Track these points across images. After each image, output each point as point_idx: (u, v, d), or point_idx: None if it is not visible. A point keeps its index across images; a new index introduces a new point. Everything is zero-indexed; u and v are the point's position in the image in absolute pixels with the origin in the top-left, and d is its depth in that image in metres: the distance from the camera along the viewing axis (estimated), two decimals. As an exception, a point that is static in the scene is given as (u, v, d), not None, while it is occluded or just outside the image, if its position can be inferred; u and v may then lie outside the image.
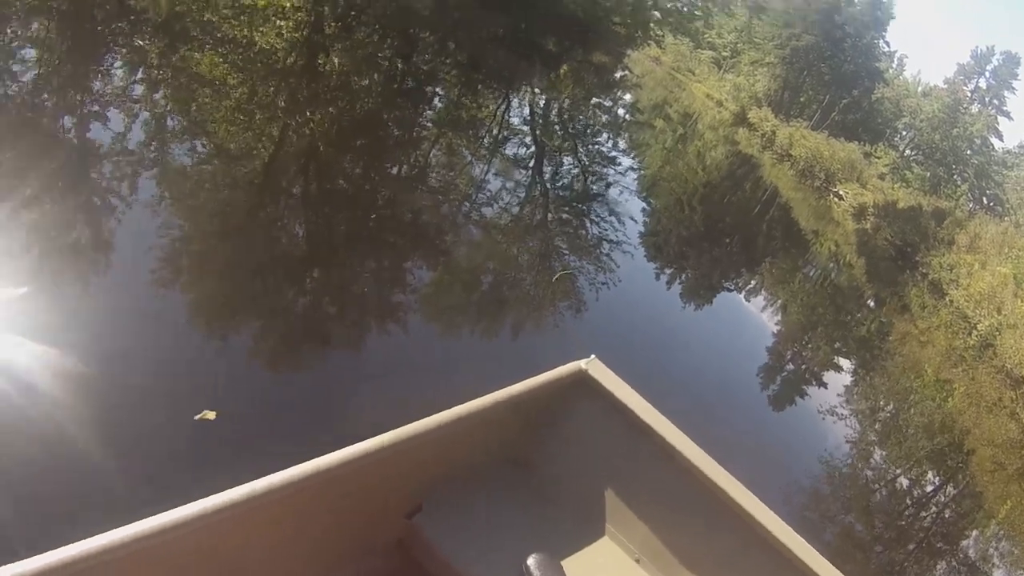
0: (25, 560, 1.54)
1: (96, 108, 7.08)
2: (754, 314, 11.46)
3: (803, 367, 10.23)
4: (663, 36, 32.65)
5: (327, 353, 4.91)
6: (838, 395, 9.76)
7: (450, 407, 2.28)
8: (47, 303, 4.27)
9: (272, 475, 1.88)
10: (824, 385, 9.73)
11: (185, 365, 4.13)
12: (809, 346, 11.46)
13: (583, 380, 2.70)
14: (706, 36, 53.89)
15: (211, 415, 3.51)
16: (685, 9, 29.29)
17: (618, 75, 27.65)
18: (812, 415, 8.49)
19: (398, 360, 5.02)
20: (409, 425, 2.16)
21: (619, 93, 24.10)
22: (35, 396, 3.47)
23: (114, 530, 1.64)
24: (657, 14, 28.01)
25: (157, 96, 7.26)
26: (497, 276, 7.08)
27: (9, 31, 7.37)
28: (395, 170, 8.13)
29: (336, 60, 9.39)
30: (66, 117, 6.93)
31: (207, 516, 1.75)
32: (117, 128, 6.74)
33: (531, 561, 2.25)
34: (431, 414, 2.24)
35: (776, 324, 11.72)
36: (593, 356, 2.77)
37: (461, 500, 2.45)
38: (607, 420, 2.69)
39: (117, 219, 5.50)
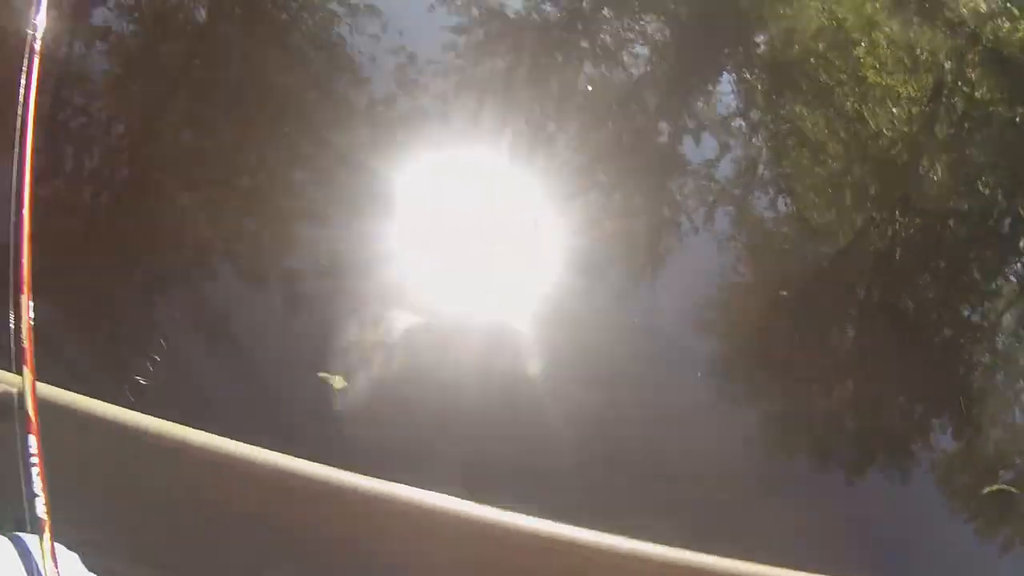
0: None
1: (693, 125, 7.17)
2: None
3: None
4: None
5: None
6: None
7: None
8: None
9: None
10: None
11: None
12: None
13: None
14: None
15: (338, 383, 2.93)
16: None
17: None
18: None
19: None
20: None
21: None
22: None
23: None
24: None
25: (756, 139, 7.07)
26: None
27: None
28: (947, 327, 7.07)
29: (938, 168, 8.35)
30: (663, 125, 7.14)
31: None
32: (707, 153, 6.69)
33: None
34: None
35: None
36: None
37: None
38: None
39: (684, 242, 5.42)
